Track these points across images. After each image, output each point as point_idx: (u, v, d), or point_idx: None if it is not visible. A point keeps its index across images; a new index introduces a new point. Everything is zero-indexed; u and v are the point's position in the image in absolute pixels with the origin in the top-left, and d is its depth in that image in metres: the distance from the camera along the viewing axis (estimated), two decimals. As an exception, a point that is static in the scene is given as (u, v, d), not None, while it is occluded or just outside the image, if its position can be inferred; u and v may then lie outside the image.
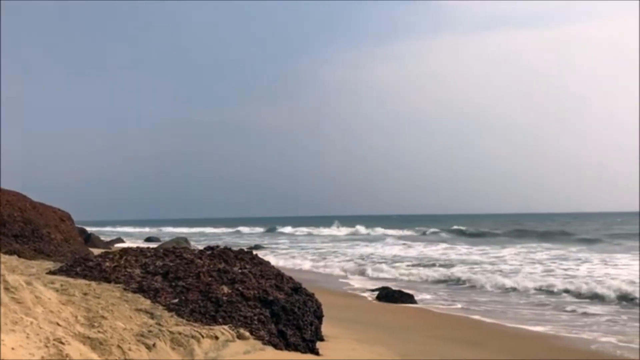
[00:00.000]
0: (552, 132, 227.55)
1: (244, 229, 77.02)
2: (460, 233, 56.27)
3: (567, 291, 16.11)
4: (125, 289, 6.94)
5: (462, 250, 32.29)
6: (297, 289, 7.73)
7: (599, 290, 15.54)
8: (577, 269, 21.46)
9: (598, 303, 14.49)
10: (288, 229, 71.00)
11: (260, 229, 76.62)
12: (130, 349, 4.94)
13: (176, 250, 8.43)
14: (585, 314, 13.20)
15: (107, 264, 7.73)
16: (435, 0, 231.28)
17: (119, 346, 4.88)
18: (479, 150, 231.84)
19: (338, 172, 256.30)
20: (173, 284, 7.23)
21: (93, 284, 6.92)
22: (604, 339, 10.47)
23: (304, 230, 67.58)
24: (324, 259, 28.47)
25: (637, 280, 16.41)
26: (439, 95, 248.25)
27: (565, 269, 21.55)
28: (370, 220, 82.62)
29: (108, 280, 7.21)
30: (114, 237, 46.18)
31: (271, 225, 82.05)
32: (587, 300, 14.94)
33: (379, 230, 61.45)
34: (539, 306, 14.32)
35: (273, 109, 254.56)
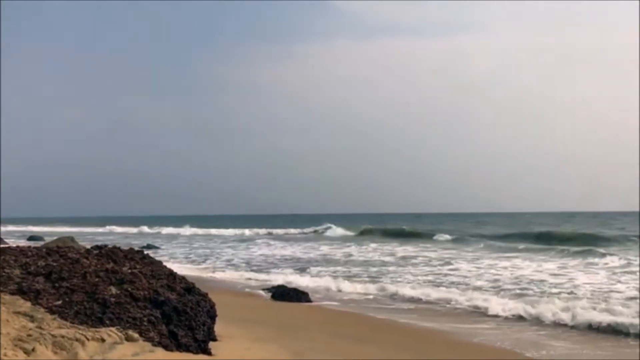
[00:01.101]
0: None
1: (132, 229, 73.82)
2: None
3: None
4: (2, 291, 6.49)
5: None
6: (189, 289, 7.57)
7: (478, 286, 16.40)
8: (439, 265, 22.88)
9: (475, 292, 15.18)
10: (177, 230, 68.62)
11: (146, 228, 73.72)
12: (5, 355, 4.63)
13: (61, 249, 8.01)
14: (461, 308, 13.85)
15: (-18, 264, 7.21)
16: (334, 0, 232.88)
17: (-7, 352, 4.56)
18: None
19: (224, 171, 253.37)
20: (56, 285, 6.86)
21: (-35, 286, 6.43)
22: (490, 334, 11.04)
23: (194, 230, 65.77)
24: (207, 259, 28.56)
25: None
26: (337, 98, 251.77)
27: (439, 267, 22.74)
28: (256, 221, 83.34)
29: (-18, 282, 6.72)
30: (-8, 237, 43.16)
31: (157, 223, 79.82)
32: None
33: (264, 231, 61.79)
34: (423, 304, 14.79)
35: (159, 103, 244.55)
